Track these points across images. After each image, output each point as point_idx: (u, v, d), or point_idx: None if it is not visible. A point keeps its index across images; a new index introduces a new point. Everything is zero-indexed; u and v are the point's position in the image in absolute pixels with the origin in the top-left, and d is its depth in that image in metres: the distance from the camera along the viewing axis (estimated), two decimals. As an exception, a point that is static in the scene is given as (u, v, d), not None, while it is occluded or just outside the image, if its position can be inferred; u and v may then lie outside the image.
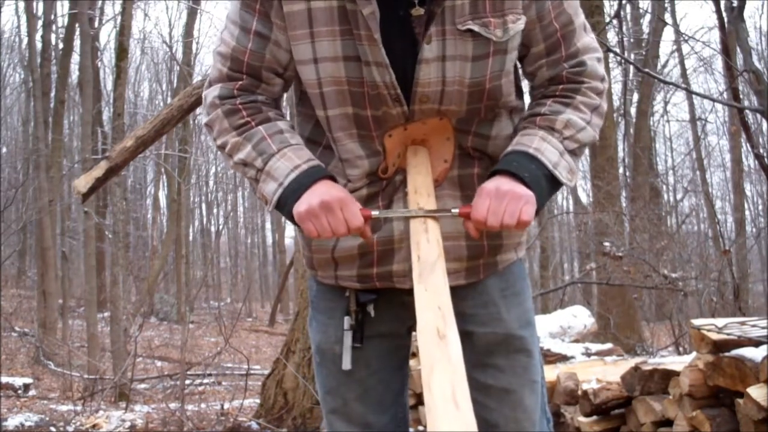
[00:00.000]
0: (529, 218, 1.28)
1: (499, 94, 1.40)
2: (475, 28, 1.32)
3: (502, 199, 1.28)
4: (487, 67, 1.36)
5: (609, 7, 10.29)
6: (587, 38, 1.43)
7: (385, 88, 1.35)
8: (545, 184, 1.34)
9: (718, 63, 14.96)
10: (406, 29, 1.35)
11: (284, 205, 1.36)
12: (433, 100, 1.37)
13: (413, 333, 1.53)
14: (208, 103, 1.43)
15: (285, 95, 1.55)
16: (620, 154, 11.47)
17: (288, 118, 1.50)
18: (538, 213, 1.34)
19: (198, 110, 4.57)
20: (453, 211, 1.34)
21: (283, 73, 1.43)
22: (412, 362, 1.67)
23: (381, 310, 1.48)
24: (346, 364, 1.45)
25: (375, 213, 1.36)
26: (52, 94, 13.78)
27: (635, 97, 14.18)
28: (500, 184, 1.30)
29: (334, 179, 1.38)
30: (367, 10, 1.30)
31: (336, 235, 1.32)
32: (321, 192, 1.31)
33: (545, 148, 1.35)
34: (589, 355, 4.61)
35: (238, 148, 1.39)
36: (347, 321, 1.47)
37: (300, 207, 1.32)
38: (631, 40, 12.55)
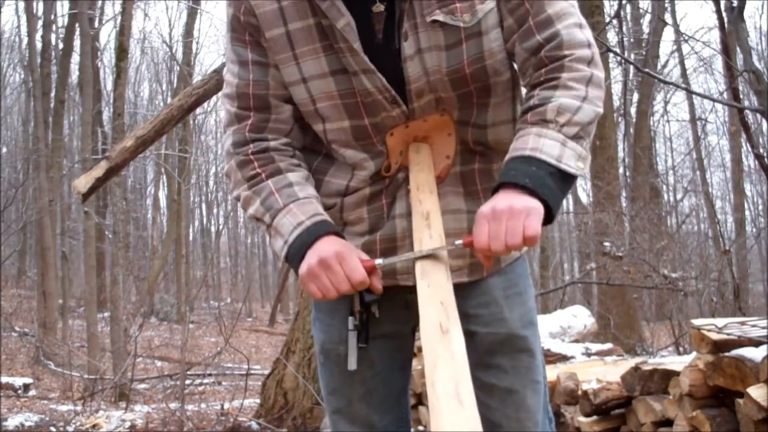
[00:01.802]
0: (534, 232, 1.18)
1: (485, 75, 1.36)
2: (441, 18, 1.31)
3: (500, 219, 1.19)
4: (462, 53, 1.34)
5: (609, 7, 10.31)
6: (561, 3, 1.32)
7: (379, 93, 1.35)
8: (553, 182, 1.23)
9: (718, 63, 14.98)
10: (385, 28, 1.35)
11: (291, 262, 1.34)
12: (428, 91, 1.37)
13: (417, 333, 1.53)
14: (224, 152, 1.44)
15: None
16: (620, 154, 11.49)
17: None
18: (554, 215, 1.24)
19: (198, 110, 4.56)
20: (456, 242, 1.27)
21: (290, 97, 1.41)
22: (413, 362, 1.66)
23: (384, 310, 1.48)
24: (352, 364, 1.43)
25: (378, 262, 1.31)
26: (52, 94, 13.77)
27: (635, 97, 14.19)
28: (497, 202, 1.22)
29: (338, 234, 1.34)
30: (341, 23, 1.30)
31: (340, 293, 1.28)
32: (320, 250, 1.28)
33: (542, 144, 1.24)
34: (589, 355, 4.60)
35: (249, 202, 1.39)
36: (351, 321, 1.47)
37: (301, 269, 1.29)
38: (631, 40, 12.55)
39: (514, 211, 1.19)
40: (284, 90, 1.40)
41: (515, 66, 1.41)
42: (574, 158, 1.26)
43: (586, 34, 1.33)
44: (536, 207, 1.20)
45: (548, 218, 1.23)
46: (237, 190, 1.41)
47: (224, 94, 1.44)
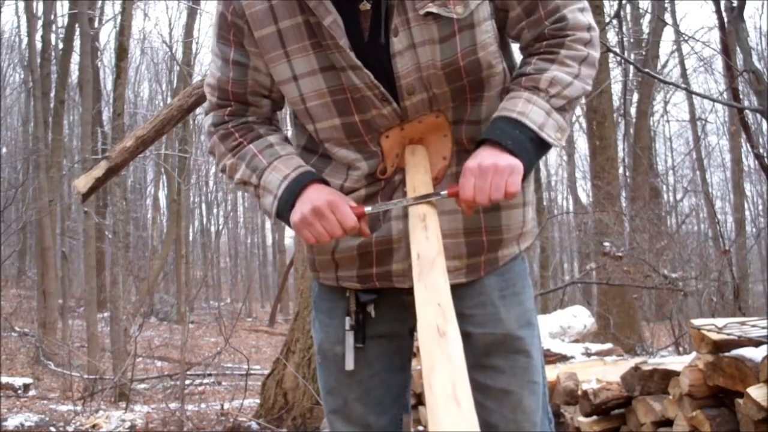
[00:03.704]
0: (515, 189, 1.28)
1: (478, 68, 1.38)
2: (434, 9, 1.32)
3: (486, 175, 1.28)
4: (456, 45, 1.35)
5: (609, 7, 10.29)
6: None
7: (368, 89, 1.36)
8: (532, 147, 1.33)
9: (718, 63, 14.96)
10: (372, 26, 1.36)
11: (282, 215, 1.39)
12: (419, 89, 1.37)
13: (415, 334, 1.53)
14: (205, 132, 1.51)
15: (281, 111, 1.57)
16: (620, 154, 11.46)
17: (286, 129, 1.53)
18: (526, 177, 1.35)
19: (198, 110, 4.57)
20: (442, 193, 1.33)
21: (269, 94, 1.47)
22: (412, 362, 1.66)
23: (382, 310, 1.48)
24: (349, 364, 1.45)
25: (367, 209, 1.37)
26: (52, 94, 13.78)
27: (635, 97, 14.18)
28: (482, 159, 1.30)
29: (324, 181, 1.40)
30: (327, 20, 1.32)
31: (333, 238, 1.34)
32: (311, 198, 1.34)
33: (530, 110, 1.33)
34: (589, 355, 4.60)
35: (235, 168, 1.45)
36: (348, 321, 1.47)
37: (294, 217, 1.35)
38: (631, 40, 12.54)
39: (498, 169, 1.28)
40: (262, 89, 1.45)
41: (508, 33, 1.45)
42: (554, 129, 1.34)
43: (588, 17, 1.42)
44: (518, 166, 1.30)
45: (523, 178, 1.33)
46: (222, 161, 1.48)
47: (207, 82, 1.50)
